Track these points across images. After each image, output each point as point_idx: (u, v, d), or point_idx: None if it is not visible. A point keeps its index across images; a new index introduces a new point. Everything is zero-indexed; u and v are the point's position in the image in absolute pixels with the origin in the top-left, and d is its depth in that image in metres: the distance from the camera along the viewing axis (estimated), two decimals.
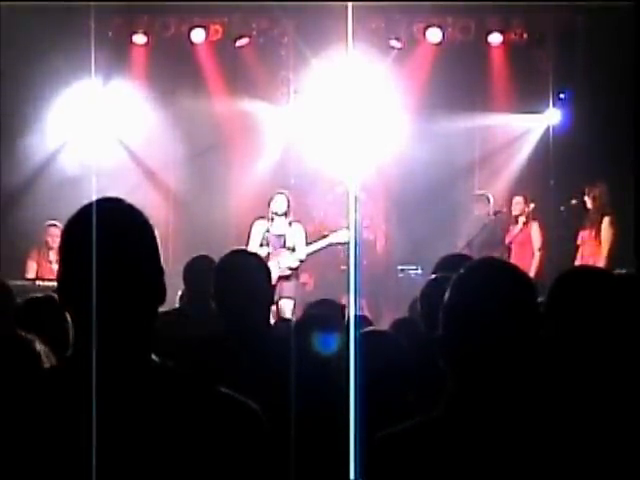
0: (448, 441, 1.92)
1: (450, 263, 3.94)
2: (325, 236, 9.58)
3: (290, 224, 9.40)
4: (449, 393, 1.96)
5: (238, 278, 3.48)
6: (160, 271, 1.88)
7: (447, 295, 2.00)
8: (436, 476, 1.91)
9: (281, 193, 9.47)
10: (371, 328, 3.53)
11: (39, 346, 2.67)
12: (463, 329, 1.95)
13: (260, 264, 3.60)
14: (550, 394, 2.02)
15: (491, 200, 10.65)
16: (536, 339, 1.94)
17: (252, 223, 9.51)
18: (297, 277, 9.49)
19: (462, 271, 2.03)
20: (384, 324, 5.04)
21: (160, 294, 1.88)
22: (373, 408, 2.79)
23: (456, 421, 1.93)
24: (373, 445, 2.02)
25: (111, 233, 1.82)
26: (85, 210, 1.84)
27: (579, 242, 9.75)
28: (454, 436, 1.92)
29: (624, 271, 3.34)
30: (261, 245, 9.32)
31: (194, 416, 1.79)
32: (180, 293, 5.45)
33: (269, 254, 9.23)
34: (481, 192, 10.88)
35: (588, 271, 2.90)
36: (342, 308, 4.99)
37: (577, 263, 9.52)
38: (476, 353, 1.93)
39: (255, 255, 3.80)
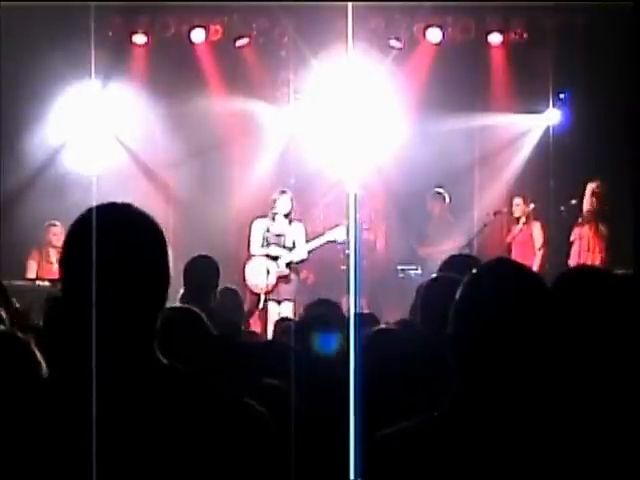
0: (454, 441, 1.91)
1: (456, 263, 3.96)
2: (322, 234, 9.59)
3: (290, 223, 9.40)
4: (455, 392, 1.96)
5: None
6: (167, 277, 1.86)
7: (459, 294, 1.99)
8: (439, 476, 1.90)
9: (285, 192, 9.46)
10: (382, 326, 3.50)
11: (34, 346, 2.67)
12: (474, 328, 1.94)
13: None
14: (555, 395, 2.01)
15: (447, 199, 10.81)
16: (547, 341, 1.94)
17: (251, 223, 9.51)
18: (297, 277, 9.48)
19: (475, 270, 2.03)
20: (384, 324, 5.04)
21: (163, 298, 1.87)
22: (381, 407, 2.78)
23: (462, 421, 1.93)
24: (374, 444, 2.01)
25: (120, 238, 1.80)
26: (92, 214, 1.82)
27: (573, 238, 9.77)
28: (460, 436, 1.91)
29: (623, 271, 3.32)
30: (262, 245, 9.32)
31: (200, 418, 1.79)
32: (181, 292, 5.44)
33: (274, 255, 9.25)
34: (438, 190, 10.95)
35: (589, 271, 2.90)
36: (339, 308, 4.99)
37: (575, 260, 9.56)
38: (486, 353, 1.92)
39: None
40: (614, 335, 2.47)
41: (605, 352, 2.45)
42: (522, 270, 2.05)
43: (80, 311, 1.79)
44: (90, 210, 1.83)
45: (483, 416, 1.92)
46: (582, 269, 3.38)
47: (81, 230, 1.82)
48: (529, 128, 11.38)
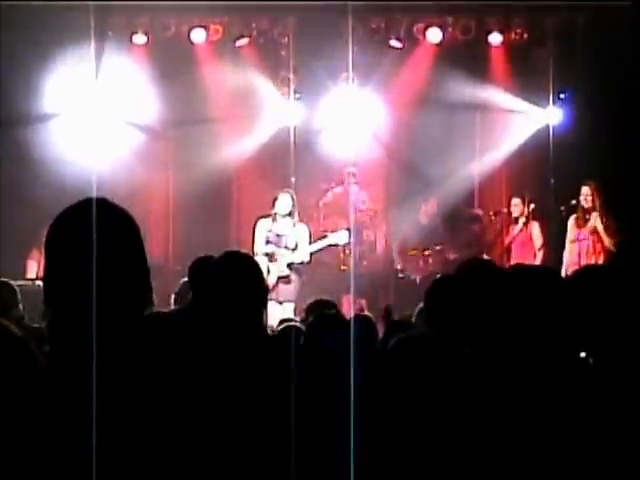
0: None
1: (472, 266, 4.00)
2: (325, 236, 9.58)
3: (294, 224, 9.36)
4: None
5: (232, 280, 3.45)
6: (146, 270, 1.88)
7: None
8: None
9: (286, 192, 9.43)
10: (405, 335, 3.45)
11: (34, 345, 2.69)
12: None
13: (253, 265, 3.55)
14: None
15: (436, 204, 11.03)
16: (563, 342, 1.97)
17: (255, 222, 9.47)
18: (298, 278, 9.45)
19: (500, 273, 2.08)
20: (384, 324, 5.03)
21: (147, 293, 1.88)
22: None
23: None
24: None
25: (96, 233, 1.82)
26: (72, 210, 1.86)
27: (573, 239, 9.76)
28: None
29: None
30: (268, 243, 9.29)
31: (182, 416, 1.81)
32: (174, 294, 5.41)
33: (273, 254, 9.22)
34: (428, 196, 11.17)
35: (603, 270, 2.90)
36: (336, 309, 5.00)
37: (575, 261, 9.53)
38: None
39: (248, 257, 3.73)
40: (628, 331, 2.47)
41: (620, 349, 2.45)
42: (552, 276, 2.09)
43: (57, 304, 1.81)
44: (68, 208, 1.88)
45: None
46: (595, 268, 3.38)
47: (58, 227, 1.87)
48: (529, 128, 11.37)
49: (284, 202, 9.29)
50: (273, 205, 9.34)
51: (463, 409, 2.14)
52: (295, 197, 9.42)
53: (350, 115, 11.10)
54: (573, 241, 9.77)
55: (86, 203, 1.88)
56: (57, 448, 1.75)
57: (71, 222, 1.83)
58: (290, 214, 9.31)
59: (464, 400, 2.19)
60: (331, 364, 3.41)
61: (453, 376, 2.83)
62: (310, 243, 9.39)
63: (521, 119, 11.28)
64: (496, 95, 11.25)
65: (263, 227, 9.35)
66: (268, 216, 9.39)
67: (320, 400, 3.19)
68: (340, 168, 11.02)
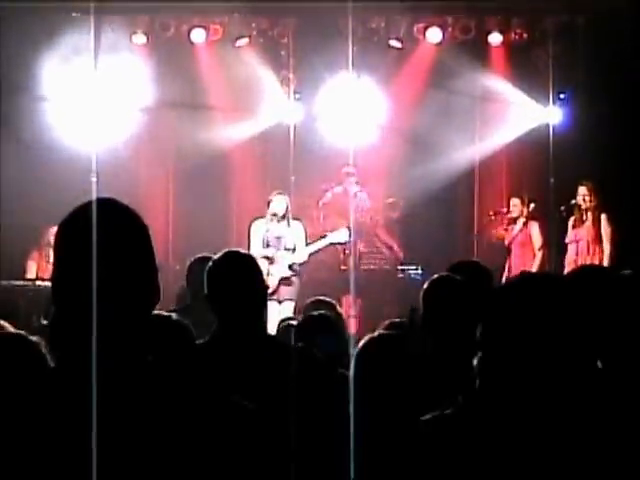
0: (477, 430, 2.00)
1: (462, 268, 4.00)
2: (325, 236, 9.58)
3: (289, 224, 9.35)
4: (473, 388, 2.03)
5: (232, 279, 3.47)
6: (155, 271, 1.88)
7: (489, 307, 2.06)
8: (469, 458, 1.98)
9: (281, 194, 9.42)
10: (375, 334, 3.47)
11: (45, 348, 2.68)
12: (503, 340, 2.01)
13: (253, 264, 3.58)
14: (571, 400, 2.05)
15: (401, 205, 11.15)
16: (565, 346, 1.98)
17: (250, 224, 9.47)
18: (298, 278, 9.45)
19: (503, 285, 2.09)
20: (383, 324, 5.03)
21: (155, 294, 1.88)
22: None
23: (481, 414, 2.01)
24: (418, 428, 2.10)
25: (105, 234, 1.82)
26: (80, 211, 1.85)
27: (569, 240, 9.75)
28: (480, 427, 1.99)
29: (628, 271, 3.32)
30: (262, 247, 9.28)
31: (186, 417, 1.80)
32: (177, 292, 5.40)
33: (274, 257, 9.21)
34: (390, 200, 11.18)
35: (599, 271, 2.90)
36: (335, 308, 4.99)
37: (573, 261, 9.53)
38: (512, 359, 1.99)
39: (247, 255, 3.76)
40: (626, 336, 2.47)
41: (619, 354, 2.45)
42: (546, 284, 2.09)
43: (67, 306, 1.81)
44: (77, 208, 1.86)
45: (501, 410, 2.00)
46: (594, 269, 3.38)
47: (67, 228, 1.86)
48: (529, 128, 11.37)
49: (280, 204, 9.28)
50: (268, 207, 9.32)
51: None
52: (289, 199, 9.41)
53: (350, 114, 11.10)
54: (571, 242, 9.77)
55: (96, 203, 1.87)
56: (61, 450, 1.75)
57: (79, 223, 1.82)
58: (284, 216, 9.31)
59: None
60: (318, 363, 3.42)
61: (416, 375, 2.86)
62: (307, 241, 9.40)
63: (521, 113, 11.27)
64: (496, 90, 11.24)
65: (260, 228, 9.35)
66: (263, 217, 9.38)
67: (314, 400, 3.20)
68: (340, 167, 11.02)
